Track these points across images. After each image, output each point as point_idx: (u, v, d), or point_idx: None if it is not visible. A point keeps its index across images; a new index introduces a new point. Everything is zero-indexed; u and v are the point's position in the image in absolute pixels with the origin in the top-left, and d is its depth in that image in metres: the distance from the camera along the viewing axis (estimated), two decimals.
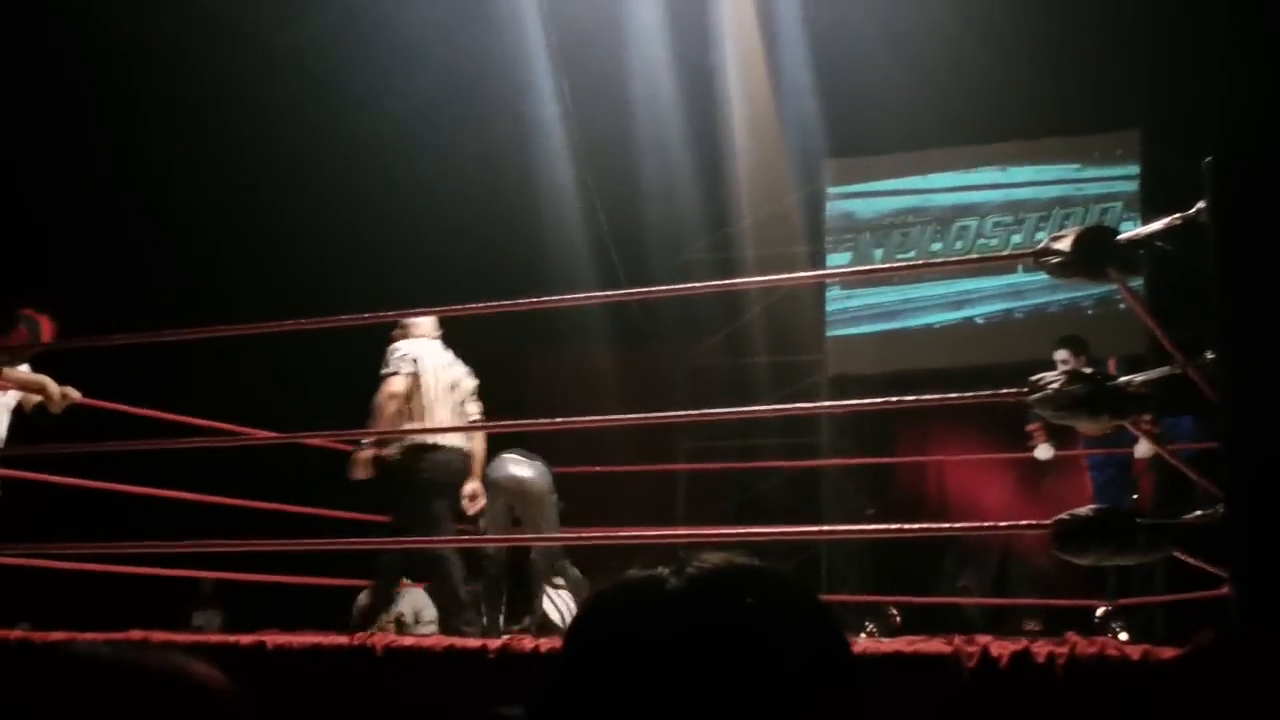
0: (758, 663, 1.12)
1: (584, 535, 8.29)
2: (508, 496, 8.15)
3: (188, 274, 11.73)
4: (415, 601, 10.01)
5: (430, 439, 7.41)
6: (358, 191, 11.96)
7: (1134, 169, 12.41)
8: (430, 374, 7.55)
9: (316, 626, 7.04)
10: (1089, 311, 11.95)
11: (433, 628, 9.62)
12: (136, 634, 5.10)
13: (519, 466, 8.22)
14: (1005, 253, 12.16)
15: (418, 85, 11.74)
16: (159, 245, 11.75)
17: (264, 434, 8.00)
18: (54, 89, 11.14)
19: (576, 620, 1.22)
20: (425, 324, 7.76)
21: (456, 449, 7.57)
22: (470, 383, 7.82)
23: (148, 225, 11.74)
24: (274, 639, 5.31)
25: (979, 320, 12.78)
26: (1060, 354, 8.53)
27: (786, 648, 1.15)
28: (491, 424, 8.19)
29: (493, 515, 8.14)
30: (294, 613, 9.71)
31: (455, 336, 7.70)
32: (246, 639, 5.40)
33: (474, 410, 7.80)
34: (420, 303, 6.29)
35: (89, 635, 4.97)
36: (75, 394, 7.44)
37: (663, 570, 1.21)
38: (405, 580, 10.07)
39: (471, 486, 7.74)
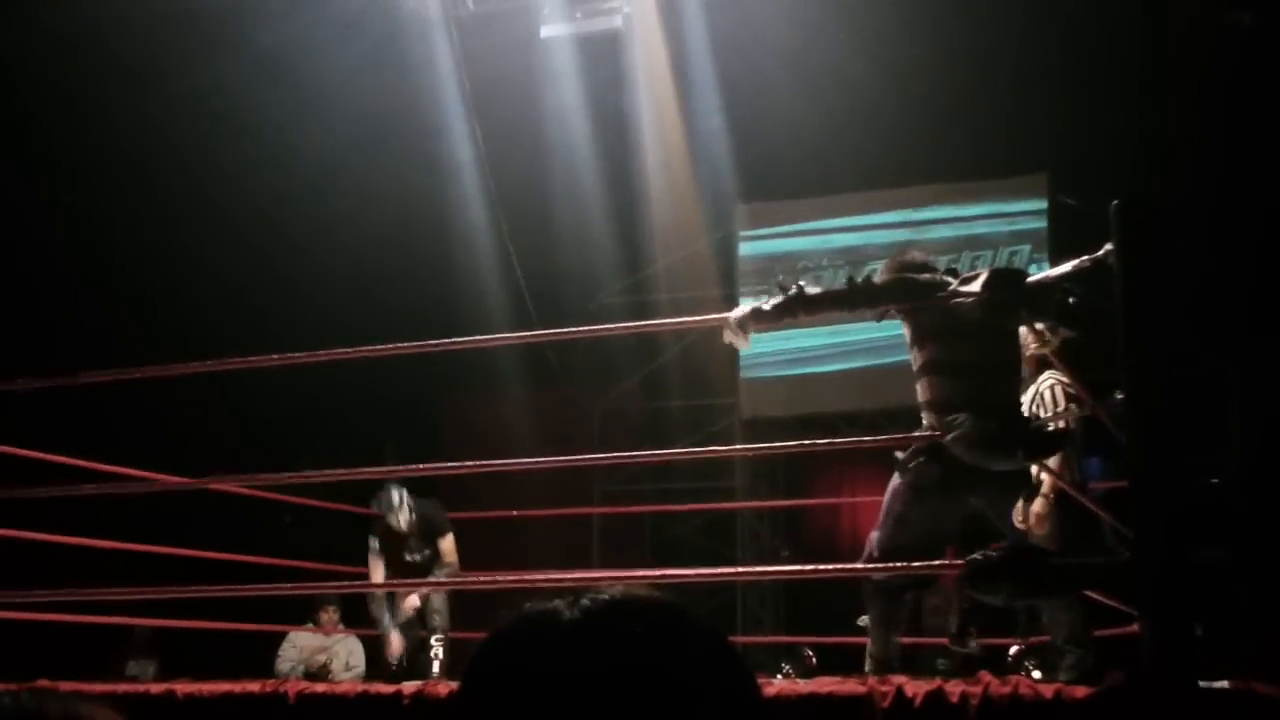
0: (647, 691, 1.12)
1: (498, 579, 8.25)
2: None
3: (102, 317, 11.56)
4: (349, 646, 9.91)
5: None
6: (271, 235, 11.85)
7: (1043, 212, 12.57)
8: None
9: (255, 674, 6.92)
10: None
11: (356, 674, 9.55)
12: (43, 683, 5.00)
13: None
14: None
15: (331, 129, 11.68)
16: (73, 289, 11.57)
17: (174, 480, 7.87)
18: None
19: (474, 653, 1.22)
20: None
21: None
22: None
23: (61, 270, 11.56)
24: (184, 687, 5.24)
25: (890, 362, 12.83)
26: None
27: (679, 674, 1.14)
28: (405, 468, 8.14)
29: None
30: (231, 660, 9.56)
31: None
32: (157, 688, 5.32)
33: None
34: (335, 344, 6.24)
35: None
36: None
37: (558, 602, 1.20)
38: (343, 627, 9.98)
39: None
